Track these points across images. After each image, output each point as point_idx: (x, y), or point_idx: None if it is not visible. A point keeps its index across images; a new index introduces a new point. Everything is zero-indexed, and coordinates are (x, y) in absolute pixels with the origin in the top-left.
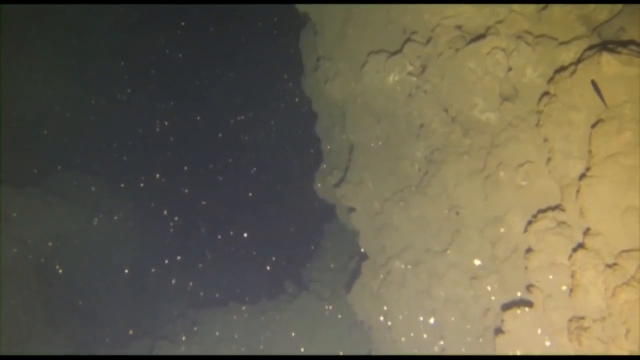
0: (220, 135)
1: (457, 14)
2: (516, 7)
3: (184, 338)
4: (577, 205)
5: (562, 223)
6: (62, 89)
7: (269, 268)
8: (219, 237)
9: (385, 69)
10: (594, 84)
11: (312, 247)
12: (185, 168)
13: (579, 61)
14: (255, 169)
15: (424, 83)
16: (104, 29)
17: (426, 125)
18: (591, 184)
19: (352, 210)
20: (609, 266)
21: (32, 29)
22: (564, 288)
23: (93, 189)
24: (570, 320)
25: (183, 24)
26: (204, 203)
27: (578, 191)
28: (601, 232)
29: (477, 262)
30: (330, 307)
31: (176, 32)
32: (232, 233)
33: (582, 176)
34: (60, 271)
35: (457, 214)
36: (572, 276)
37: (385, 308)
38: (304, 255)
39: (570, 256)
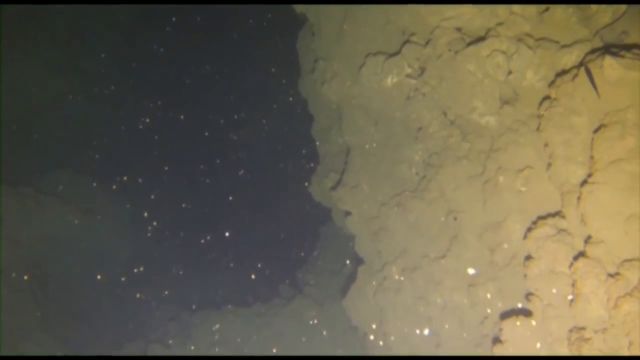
0: (224, 134)
1: (457, 15)
2: (517, 8)
3: (176, 341)
4: (578, 211)
5: (562, 230)
6: (57, 87)
7: (258, 270)
8: (214, 239)
9: (383, 70)
10: (587, 69)
11: (308, 251)
12: (183, 168)
13: (581, 64)
14: (254, 171)
15: (422, 85)
16: (98, 27)
17: (424, 128)
18: (593, 190)
19: (348, 213)
20: (610, 275)
21: (24, 28)
22: (564, 297)
23: (87, 188)
24: (570, 330)
25: (174, 19)
26: (200, 204)
27: (579, 197)
28: (603, 240)
29: (471, 271)
30: (323, 312)
31: (173, 31)
32: (226, 235)
33: (584, 182)
34: (53, 272)
35: (455, 219)
36: (573, 285)
37: (381, 314)
38: (299, 258)
39: (571, 264)
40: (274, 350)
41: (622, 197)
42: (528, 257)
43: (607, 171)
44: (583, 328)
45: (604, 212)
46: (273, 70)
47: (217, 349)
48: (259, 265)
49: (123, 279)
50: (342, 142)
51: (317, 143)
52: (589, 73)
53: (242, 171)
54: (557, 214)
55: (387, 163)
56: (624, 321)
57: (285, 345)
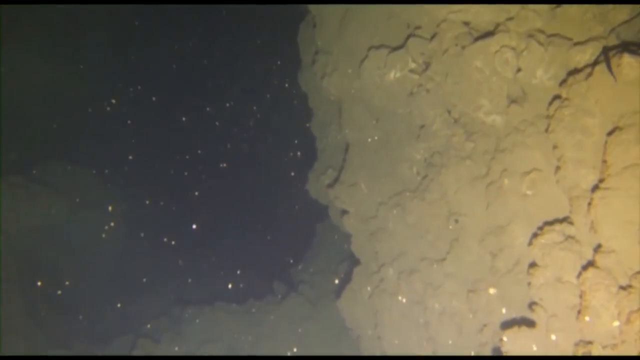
0: (217, 123)
1: (465, 8)
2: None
3: (166, 336)
4: (588, 218)
5: (570, 237)
6: (50, 77)
7: (252, 267)
8: (208, 234)
9: (386, 64)
10: (605, 54)
11: (303, 248)
12: (177, 161)
13: (595, 63)
14: (252, 167)
15: (427, 81)
16: (96, 20)
17: (427, 126)
18: (605, 197)
19: (344, 212)
20: (622, 288)
21: (22, 19)
22: (571, 308)
23: (79, 179)
24: (577, 344)
25: (176, 13)
26: (194, 198)
27: (589, 203)
28: (614, 249)
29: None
30: (317, 312)
31: (172, 22)
32: (221, 230)
33: (595, 187)
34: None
35: (456, 221)
36: (581, 296)
37: (376, 317)
38: (294, 255)
39: (579, 274)
40: (266, 348)
41: (636, 205)
42: (533, 265)
43: (620, 177)
44: (590, 342)
45: (616, 219)
46: (270, 59)
47: (207, 346)
48: (253, 262)
49: (114, 272)
50: (341, 138)
51: (317, 139)
52: (607, 58)
53: (247, 167)
54: (565, 220)
55: (387, 161)
56: (637, 338)
57: (277, 342)
